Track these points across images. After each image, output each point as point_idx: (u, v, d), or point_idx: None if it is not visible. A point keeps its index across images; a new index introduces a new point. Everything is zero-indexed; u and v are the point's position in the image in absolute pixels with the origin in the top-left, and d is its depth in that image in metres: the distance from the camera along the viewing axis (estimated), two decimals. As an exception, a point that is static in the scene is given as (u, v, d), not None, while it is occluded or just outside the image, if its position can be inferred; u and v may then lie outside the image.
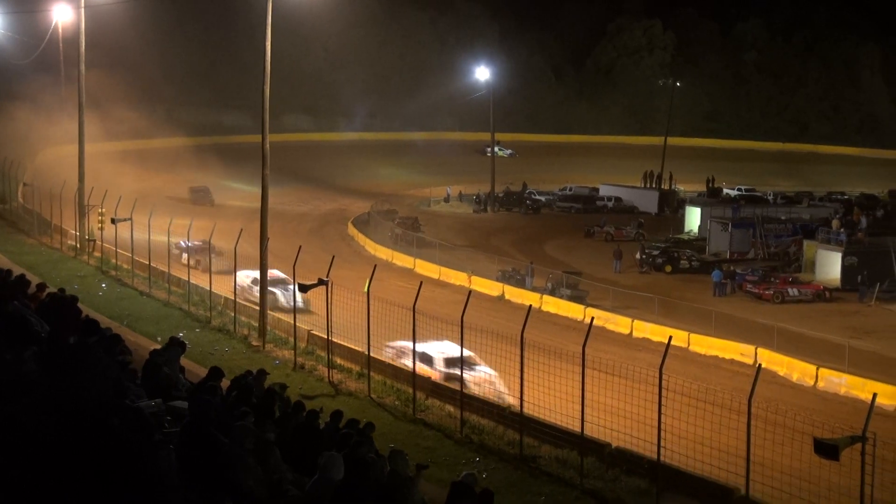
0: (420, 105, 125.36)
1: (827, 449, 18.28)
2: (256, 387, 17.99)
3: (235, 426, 13.52)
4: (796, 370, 40.13)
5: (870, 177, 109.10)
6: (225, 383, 17.66)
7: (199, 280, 42.68)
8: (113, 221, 47.78)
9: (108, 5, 64.58)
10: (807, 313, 53.43)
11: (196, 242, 47.52)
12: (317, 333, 35.02)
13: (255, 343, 36.71)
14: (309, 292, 33.00)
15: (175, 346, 19.07)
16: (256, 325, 37.81)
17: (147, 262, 46.24)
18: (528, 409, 26.01)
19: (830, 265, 61.42)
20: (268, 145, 38.00)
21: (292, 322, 35.09)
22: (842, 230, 65.05)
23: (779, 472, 21.20)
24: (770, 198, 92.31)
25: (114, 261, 50.01)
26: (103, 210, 51.51)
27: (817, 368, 39.63)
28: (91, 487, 10.80)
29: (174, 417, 15.11)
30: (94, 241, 53.01)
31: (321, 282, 32.09)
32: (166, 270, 44.93)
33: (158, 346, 21.00)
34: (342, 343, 33.45)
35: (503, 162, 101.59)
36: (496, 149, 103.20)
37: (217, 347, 35.56)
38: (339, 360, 33.18)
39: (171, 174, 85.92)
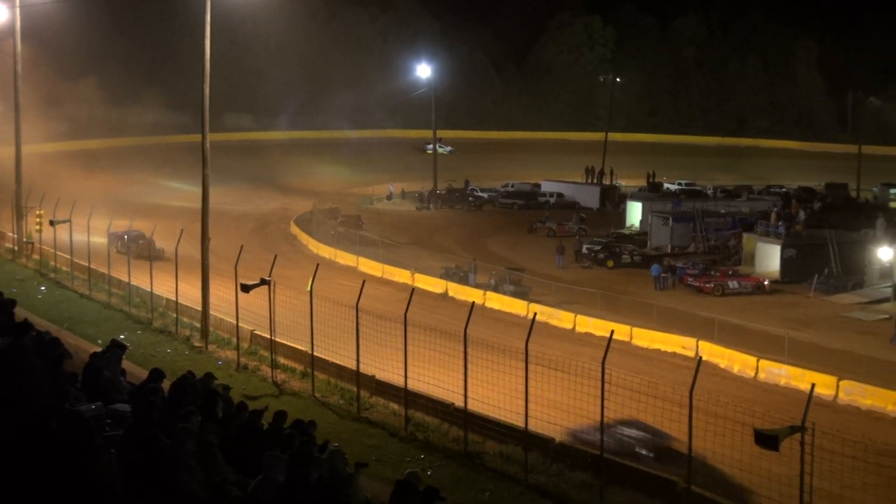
0: (362, 103, 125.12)
1: (767, 439, 18.50)
2: (200, 388, 17.86)
3: (177, 428, 13.42)
4: (737, 362, 40.51)
5: (807, 170, 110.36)
6: (167, 385, 17.54)
7: (141, 281, 42.29)
8: (52, 223, 47.25)
9: (43, 5, 63.73)
10: (747, 306, 53.93)
11: (130, 232, 49.73)
12: (260, 333, 34.84)
13: (197, 344, 36.46)
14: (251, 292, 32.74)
15: (116, 349, 18.87)
16: (199, 325, 37.56)
17: (87, 265, 45.73)
18: (473, 406, 26.06)
19: (770, 258, 62.03)
20: (208, 145, 37.71)
21: (235, 322, 34.88)
22: (780, 223, 65.77)
23: (720, 463, 21.42)
24: (710, 192, 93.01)
25: (53, 263, 49.47)
26: (41, 212, 50.91)
27: (758, 360, 40.03)
28: (32, 492, 10.70)
29: (115, 420, 14.98)
30: (32, 243, 52.38)
31: (263, 281, 31.94)
32: (107, 272, 44.46)
33: (99, 349, 20.79)
34: (285, 343, 33.32)
35: (445, 159, 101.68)
36: (438, 146, 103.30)
37: (159, 349, 35.27)
38: (282, 360, 33.05)
39: (110, 175, 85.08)
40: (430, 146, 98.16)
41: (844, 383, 36.82)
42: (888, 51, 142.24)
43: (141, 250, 47.16)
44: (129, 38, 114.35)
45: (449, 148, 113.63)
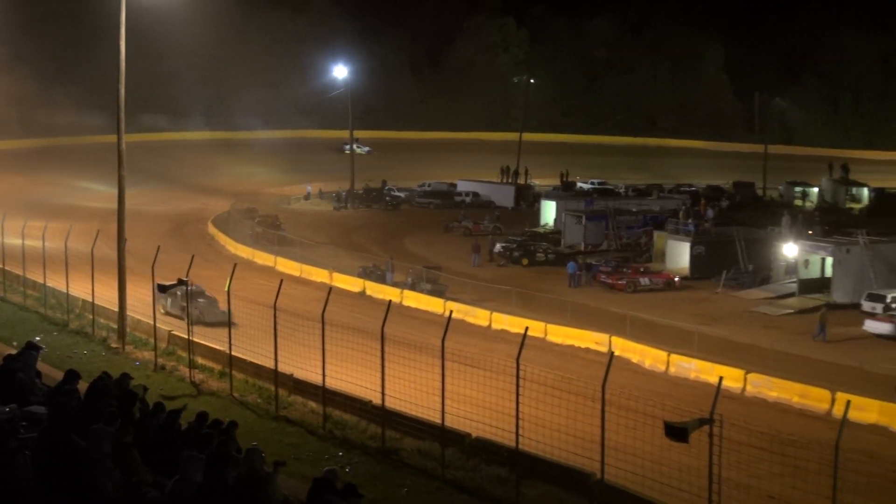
0: (279, 104, 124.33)
1: (677, 432, 18.76)
2: (116, 389, 17.63)
3: (93, 429, 13.23)
4: (648, 357, 41.03)
5: (715, 169, 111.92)
6: (84, 386, 17.29)
7: (57, 283, 41.61)
8: (-39, 226, 46.27)
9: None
10: (658, 301, 54.64)
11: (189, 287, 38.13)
12: (178, 334, 34.48)
13: (114, 345, 35.95)
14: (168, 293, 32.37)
15: (31, 351, 18.56)
16: (116, 326, 37.04)
17: (0, 266, 44.85)
18: (390, 403, 26.04)
19: (679, 255, 62.88)
20: (124, 145, 37.18)
21: (153, 323, 34.47)
22: (689, 221, 66.77)
23: (632, 456, 21.65)
24: (622, 191, 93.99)
25: (-36, 266, 48.44)
26: (-49, 214, 49.80)
27: (668, 355, 40.58)
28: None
29: (30, 423, 14.75)
30: (-58, 246, 51.20)
31: (180, 282, 31.65)
32: (21, 273, 43.67)
33: (14, 351, 20.42)
34: (203, 343, 33.02)
35: (363, 159, 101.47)
36: (355, 146, 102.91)
37: (75, 350, 34.73)
38: (200, 360, 32.72)
39: (23, 177, 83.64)
40: (348, 146, 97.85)
41: (751, 376, 37.50)
42: (791, 54, 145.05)
43: (203, 313, 39.66)
44: (41, 39, 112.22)
45: (367, 148, 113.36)
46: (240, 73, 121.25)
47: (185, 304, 36.97)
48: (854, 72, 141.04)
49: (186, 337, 32.66)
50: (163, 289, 32.20)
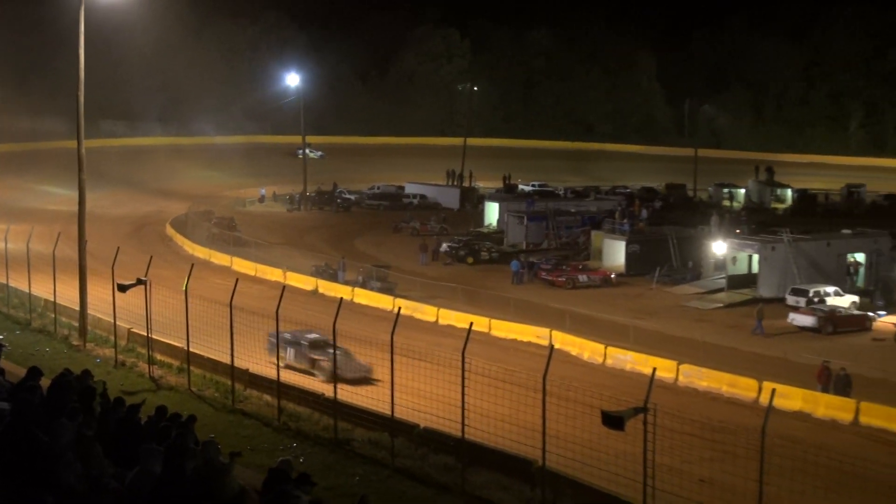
0: (234, 110, 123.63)
1: (613, 420, 18.88)
2: (76, 385, 17.42)
3: (55, 424, 13.07)
4: (587, 349, 41.22)
5: (648, 172, 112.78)
6: (46, 382, 17.06)
7: (19, 283, 41.06)
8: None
9: None
10: (596, 297, 54.95)
11: (310, 336, 34.45)
12: (137, 331, 34.12)
13: (75, 343, 35.57)
14: (128, 291, 32.00)
15: (-7, 349, 18.29)
16: (77, 325, 36.63)
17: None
18: (342, 396, 25.98)
19: (616, 253, 63.25)
20: (84, 150, 36.77)
21: (113, 321, 34.11)
22: (625, 221, 67.15)
23: (572, 443, 21.72)
24: (561, 192, 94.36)
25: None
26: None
27: (605, 347, 40.80)
28: None
29: (-6, 418, 14.51)
30: None
31: (140, 281, 31.29)
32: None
33: (-23, 350, 20.08)
34: (162, 340, 32.72)
35: (315, 163, 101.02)
36: (307, 151, 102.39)
37: (38, 348, 34.30)
38: (159, 357, 32.45)
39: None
40: (301, 151, 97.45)
41: (683, 367, 37.80)
42: (719, 63, 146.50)
43: (341, 368, 27.59)
44: (2, 45, 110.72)
45: (320, 153, 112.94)
46: (195, 81, 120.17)
47: (314, 357, 33.06)
48: (777, 80, 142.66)
49: (145, 334, 32.36)
50: (122, 288, 31.79)
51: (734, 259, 57.93)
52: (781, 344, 43.70)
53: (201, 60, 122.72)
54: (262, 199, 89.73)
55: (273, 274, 56.32)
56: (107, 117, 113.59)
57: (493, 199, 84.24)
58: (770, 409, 18.90)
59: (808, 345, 44.72)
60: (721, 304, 54.24)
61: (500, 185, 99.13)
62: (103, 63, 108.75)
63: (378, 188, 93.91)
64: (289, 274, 55.40)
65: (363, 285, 53.55)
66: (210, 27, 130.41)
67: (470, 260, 64.62)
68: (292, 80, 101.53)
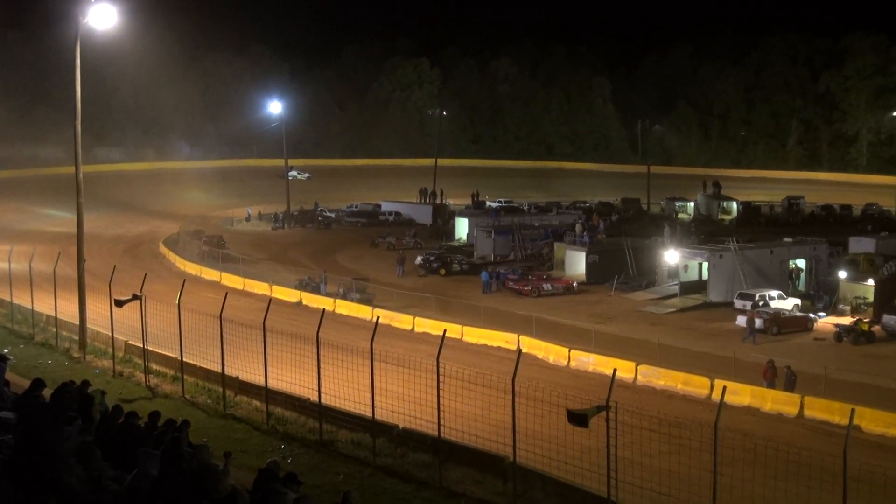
0: (221, 135, 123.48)
1: (578, 418, 18.87)
2: (77, 394, 17.27)
3: (57, 430, 12.94)
4: (552, 353, 41.22)
5: (605, 187, 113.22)
6: (49, 393, 16.89)
7: (22, 300, 40.69)
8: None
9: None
10: (559, 304, 54.98)
11: None
12: (133, 343, 33.86)
13: (76, 355, 35.26)
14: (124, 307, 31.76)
15: (-1, 362, 18.11)
16: (77, 338, 36.32)
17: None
18: (326, 400, 25.85)
19: (577, 263, 63.31)
20: (81, 175, 36.54)
21: (110, 334, 33.83)
22: (585, 233, 67.29)
23: (540, 440, 21.70)
24: (525, 208, 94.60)
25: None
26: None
27: (569, 350, 40.81)
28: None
29: (1, 427, 14.37)
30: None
31: (135, 297, 31.09)
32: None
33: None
34: (157, 351, 32.46)
35: (297, 184, 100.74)
36: (296, 172, 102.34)
37: (41, 361, 33.98)
38: (154, 367, 32.21)
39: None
40: (291, 173, 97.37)
41: (642, 367, 37.87)
42: (667, 86, 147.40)
43: None
44: (6, 81, 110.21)
45: (307, 174, 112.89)
46: (185, 109, 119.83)
47: None
48: (721, 102, 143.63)
49: (141, 346, 32.12)
50: (119, 303, 31.55)
51: (686, 267, 58.11)
52: (730, 344, 43.82)
53: (190, 90, 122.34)
54: (248, 218, 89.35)
55: (260, 288, 56.09)
56: (103, 144, 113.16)
57: (462, 214, 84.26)
58: (721, 404, 18.95)
59: (755, 345, 44.90)
60: (674, 309, 54.39)
61: (469, 202, 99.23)
62: (99, 94, 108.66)
63: (356, 206, 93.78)
64: (274, 287, 55.19)
65: (344, 297, 53.41)
66: (198, 60, 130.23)
67: (443, 272, 64.55)
68: (275, 107, 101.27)
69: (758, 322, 47.28)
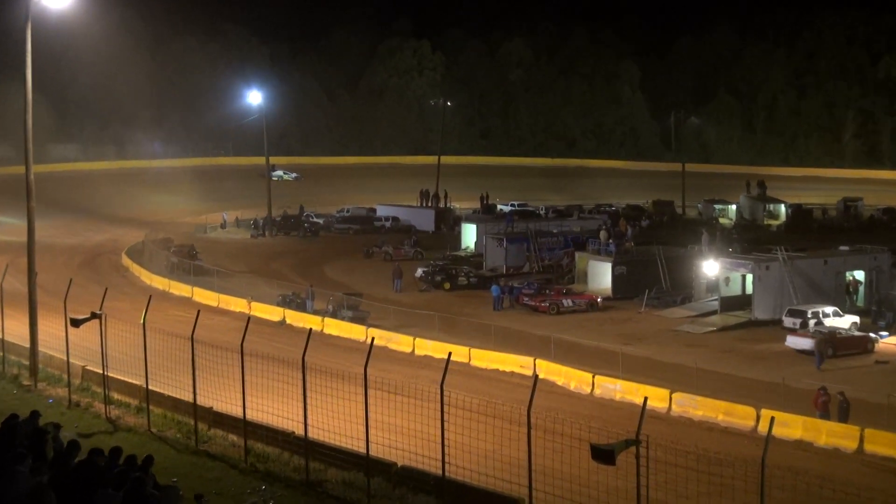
0: (193, 130, 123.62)
1: (603, 454, 18.78)
2: (26, 427, 17.23)
3: (6, 470, 12.90)
4: (573, 379, 41.13)
5: (634, 188, 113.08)
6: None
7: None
8: None
9: None
10: (581, 323, 54.86)
11: None
12: (92, 369, 33.82)
13: (26, 382, 35.21)
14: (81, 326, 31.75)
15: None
16: (27, 363, 36.27)
17: None
18: (314, 434, 25.78)
19: (601, 275, 63.22)
20: (32, 176, 36.55)
21: (66, 358, 33.80)
22: (610, 241, 67.19)
23: (560, 480, 21.62)
24: (542, 212, 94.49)
25: None
26: None
27: (593, 376, 40.70)
28: None
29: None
30: None
31: (94, 315, 31.04)
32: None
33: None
34: (119, 377, 32.40)
35: (280, 186, 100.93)
36: (282, 172, 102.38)
37: (-16, 390, 33.97)
38: (116, 396, 32.15)
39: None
40: (276, 173, 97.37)
41: (676, 395, 37.75)
42: (705, 72, 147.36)
43: None
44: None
45: (294, 174, 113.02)
46: (151, 101, 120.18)
47: None
48: (767, 89, 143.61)
49: (101, 372, 32.07)
50: (76, 323, 31.52)
51: (727, 280, 57.97)
52: (779, 368, 43.68)
53: (157, 79, 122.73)
54: (224, 225, 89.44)
55: (237, 304, 56.08)
56: (57, 141, 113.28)
57: (470, 220, 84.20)
58: (769, 438, 18.85)
59: (808, 369, 44.78)
60: (714, 328, 54.24)
61: (477, 205, 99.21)
62: (54, 84, 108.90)
63: (348, 211, 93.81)
64: (254, 304, 55.17)
65: (334, 315, 53.35)
66: (165, 44, 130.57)
67: (447, 286, 64.50)
68: (254, 97, 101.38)
69: (807, 343, 47.09)
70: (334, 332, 49.90)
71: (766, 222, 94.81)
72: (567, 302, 58.44)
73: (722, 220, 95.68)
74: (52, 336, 35.65)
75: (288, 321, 52.88)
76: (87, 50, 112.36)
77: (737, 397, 37.69)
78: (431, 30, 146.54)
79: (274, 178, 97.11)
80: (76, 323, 31.55)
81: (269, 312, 54.13)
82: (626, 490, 19.76)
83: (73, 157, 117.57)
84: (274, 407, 27.46)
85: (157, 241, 75.31)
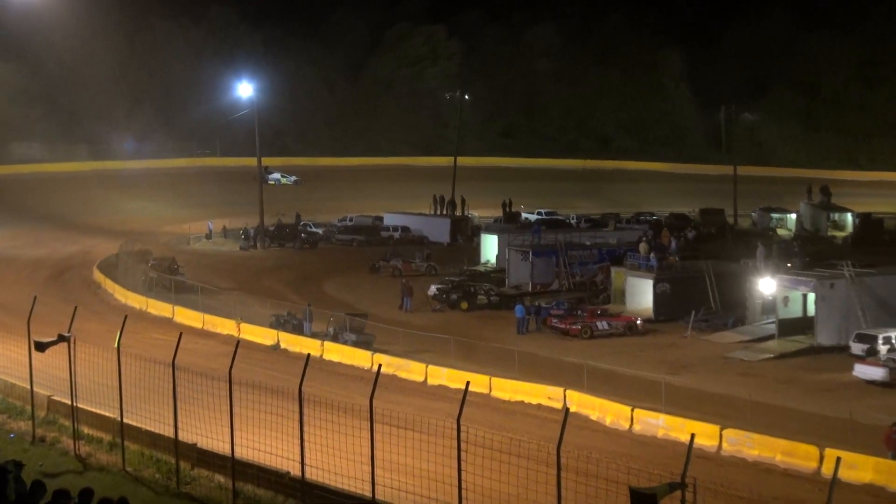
0: (175, 128, 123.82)
1: (644, 499, 18.71)
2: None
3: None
4: (610, 413, 41.03)
5: (679, 194, 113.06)
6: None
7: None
8: None
9: None
10: (618, 348, 54.80)
11: None
12: (59, 399, 33.88)
13: (-17, 415, 35.33)
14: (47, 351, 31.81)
15: None
16: (-16, 394, 36.40)
17: None
18: (312, 475, 25.79)
19: (641, 294, 63.12)
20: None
21: (29, 387, 33.85)
22: (652, 255, 67.08)
23: (595, 529, 21.61)
24: (573, 221, 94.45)
25: None
26: None
27: (632, 410, 40.59)
28: None
29: None
30: None
31: (62, 338, 31.09)
32: None
33: None
34: (90, 409, 32.44)
35: (282, 192, 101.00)
36: (279, 175, 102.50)
37: (-65, 424, 34.07)
38: (86, 430, 32.18)
39: None
40: (273, 176, 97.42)
41: (728, 432, 37.60)
42: (759, 62, 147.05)
43: None
44: None
45: (294, 178, 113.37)
46: (127, 93, 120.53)
47: None
48: (831, 82, 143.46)
49: (69, 403, 32.11)
50: (40, 347, 31.56)
51: (786, 299, 57.84)
52: (846, 402, 43.50)
53: (134, 68, 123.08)
54: (209, 236, 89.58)
55: (224, 326, 56.16)
56: (20, 138, 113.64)
57: (490, 230, 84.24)
58: (835, 481, 18.78)
59: (879, 402, 44.59)
60: (771, 355, 54.10)
61: (499, 213, 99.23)
62: (14, 76, 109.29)
63: (350, 220, 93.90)
64: (243, 326, 55.24)
65: (334, 338, 53.39)
66: (145, 29, 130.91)
67: (464, 305, 64.49)
68: (244, 90, 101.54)
69: (881, 372, 46.89)
70: (335, 358, 49.92)
71: (830, 233, 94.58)
72: (602, 324, 58.37)
73: (780, 231, 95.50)
74: (14, 362, 35.77)
75: (282, 345, 52.92)
76: (55, 35, 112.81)
77: (797, 434, 37.52)
78: (447, 13, 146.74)
79: (270, 182, 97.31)
80: (41, 347, 31.60)
81: (260, 335, 54.18)
82: (670, 541, 19.70)
83: (38, 157, 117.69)
84: (266, 444, 27.47)
85: (133, 254, 75.39)
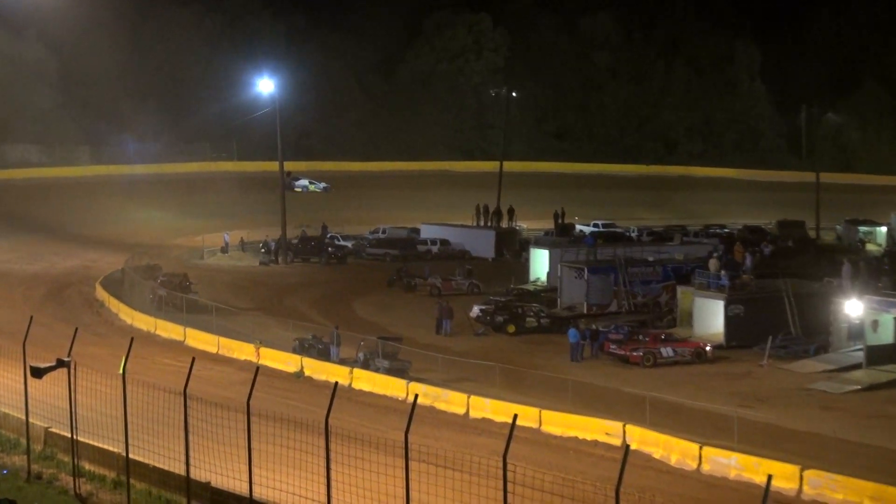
0: (187, 129, 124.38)
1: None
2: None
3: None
4: (675, 451, 40.91)
5: (753, 204, 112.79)
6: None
7: None
8: None
9: None
10: (685, 378, 54.63)
11: None
12: (57, 431, 34.05)
13: (-28, 449, 35.55)
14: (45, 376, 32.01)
15: None
16: (-25, 425, 36.64)
17: None
18: (340, 518, 25.87)
19: (711, 316, 62.88)
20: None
21: (25, 418, 34.04)
22: (723, 273, 66.87)
23: (658, 581, 21.56)
24: (634, 234, 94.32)
25: None
26: None
27: (701, 447, 40.45)
28: None
29: None
30: None
31: (61, 363, 31.28)
32: None
33: None
34: (91, 443, 32.60)
35: (308, 200, 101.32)
36: (306, 182, 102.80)
37: (-79, 457, 34.33)
38: (87, 466, 32.32)
39: None
40: (300, 182, 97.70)
41: (809, 473, 37.42)
42: (846, 58, 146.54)
43: None
44: None
45: (323, 184, 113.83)
46: (133, 91, 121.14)
47: None
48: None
49: (69, 435, 32.26)
50: (38, 373, 31.75)
51: (875, 324, 57.53)
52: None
53: (141, 63, 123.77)
54: (225, 249, 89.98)
55: (242, 351, 56.32)
56: (15, 140, 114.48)
57: (541, 244, 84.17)
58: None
59: None
60: (858, 386, 53.79)
61: (550, 225, 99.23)
62: (10, 73, 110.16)
63: (383, 231, 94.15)
64: (263, 350, 55.39)
65: (365, 365, 53.44)
66: (153, 19, 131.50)
67: (511, 328, 64.44)
68: (265, 86, 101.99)
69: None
70: (366, 388, 49.98)
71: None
72: (666, 351, 58.21)
73: (869, 247, 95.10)
74: (8, 389, 35.96)
75: (307, 373, 53.04)
76: (55, 26, 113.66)
77: (888, 477, 37.33)
78: (493, 0, 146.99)
79: (297, 189, 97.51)
80: (38, 373, 31.80)
81: (282, 361, 54.31)
82: None
83: (35, 161, 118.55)
84: (289, 482, 27.51)
85: (140, 269, 75.87)
